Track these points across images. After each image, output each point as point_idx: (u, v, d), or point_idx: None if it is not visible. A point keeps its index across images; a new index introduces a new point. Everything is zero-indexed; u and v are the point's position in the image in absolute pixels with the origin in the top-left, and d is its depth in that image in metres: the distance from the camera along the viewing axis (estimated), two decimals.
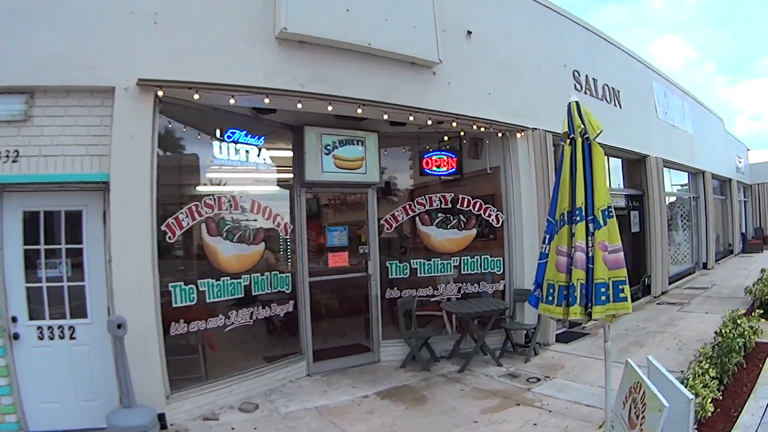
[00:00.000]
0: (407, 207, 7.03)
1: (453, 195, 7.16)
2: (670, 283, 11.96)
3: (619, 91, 10.14)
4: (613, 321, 3.85)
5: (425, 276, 6.95)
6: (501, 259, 7.26)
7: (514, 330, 6.90)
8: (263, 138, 5.94)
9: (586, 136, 3.72)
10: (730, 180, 18.39)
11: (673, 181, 14.23)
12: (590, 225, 3.59)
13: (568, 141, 3.80)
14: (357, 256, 6.81)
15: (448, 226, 7.08)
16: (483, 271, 7.20)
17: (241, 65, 4.99)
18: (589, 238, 3.58)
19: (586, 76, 9.14)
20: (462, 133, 7.34)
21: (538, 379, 5.80)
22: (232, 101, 5.06)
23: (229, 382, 5.29)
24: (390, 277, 6.82)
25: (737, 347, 5.39)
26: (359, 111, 5.77)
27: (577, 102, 3.93)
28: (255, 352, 5.92)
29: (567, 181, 3.73)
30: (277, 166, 6.32)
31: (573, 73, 8.83)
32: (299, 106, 5.41)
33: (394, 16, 5.75)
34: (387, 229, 6.88)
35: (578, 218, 3.62)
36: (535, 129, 7.58)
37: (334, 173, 6.37)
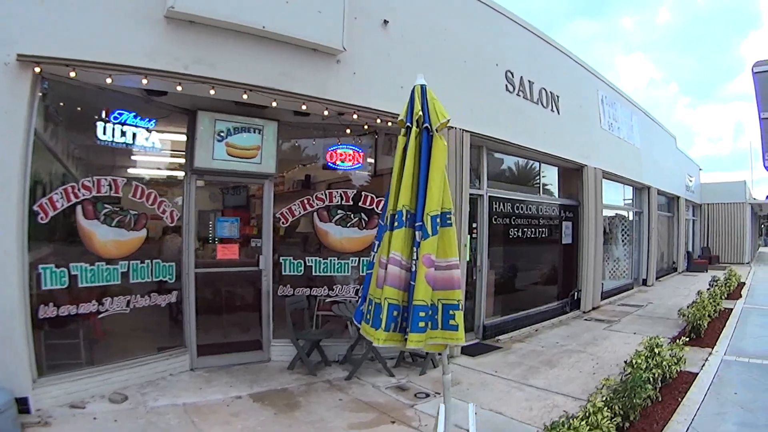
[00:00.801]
0: (305, 201, 6.50)
1: (355, 192, 6.61)
2: (604, 299, 11.55)
3: (558, 97, 9.65)
4: (445, 350, 3.16)
5: (321, 275, 6.45)
6: None
7: None
8: (154, 121, 5.55)
9: (426, 125, 3.09)
10: (678, 198, 18.20)
11: (624, 195, 14.05)
12: (417, 233, 2.89)
13: (404, 131, 3.16)
14: (249, 250, 6.35)
15: (348, 225, 6.53)
16: None
17: (123, 43, 4.63)
18: (415, 249, 2.89)
19: (521, 77, 8.58)
20: (365, 126, 6.66)
21: (427, 395, 5.27)
22: (108, 80, 4.72)
23: (104, 371, 5.02)
24: (284, 273, 6.34)
25: (650, 379, 4.83)
26: (244, 96, 5.29)
27: (422, 86, 3.30)
28: (137, 342, 5.61)
29: (396, 179, 3.08)
30: (171, 151, 5.95)
31: (506, 73, 8.28)
32: (179, 88, 5.02)
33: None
34: (282, 223, 6.38)
35: (397, 224, 2.93)
36: (452, 128, 6.93)
37: (225, 161, 5.92)
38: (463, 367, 6.41)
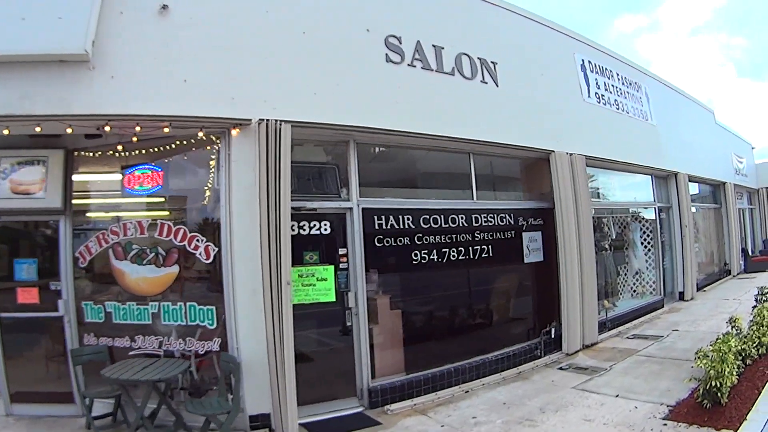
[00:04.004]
0: (101, 236, 5.17)
1: (150, 221, 5.11)
2: (613, 327, 8.33)
3: (495, 64, 6.92)
4: None
5: (122, 323, 5.10)
6: (214, 308, 4.90)
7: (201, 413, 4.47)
8: None
9: None
10: (724, 184, 13.93)
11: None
12: None
13: None
14: (49, 293, 5.29)
15: (144, 262, 5.11)
16: (190, 322, 4.96)
17: None
18: None
19: (418, 42, 5.97)
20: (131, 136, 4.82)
21: None
22: None
23: None
24: (86, 320, 5.17)
25: None
26: None
27: None
28: None
29: None
30: None
31: (386, 40, 5.73)
32: None
33: (36, 12, 4.33)
34: (81, 263, 5.21)
35: None
36: (264, 121, 4.75)
37: (8, 199, 5.09)
38: None
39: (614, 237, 9.55)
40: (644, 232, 10.32)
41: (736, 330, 6.04)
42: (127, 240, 5.07)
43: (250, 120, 4.78)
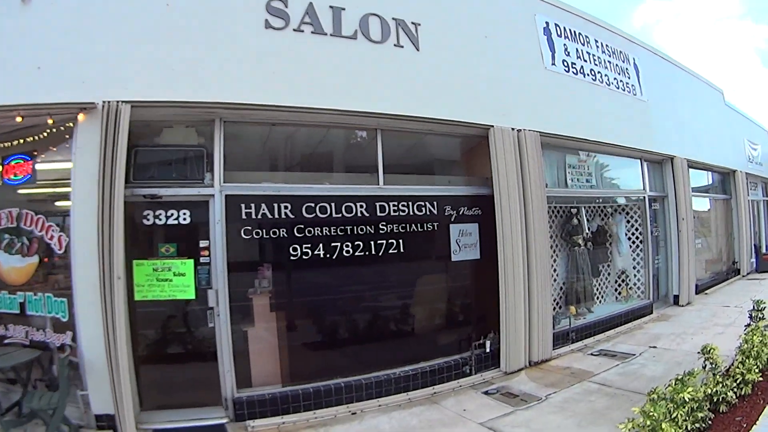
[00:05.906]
0: None
1: (18, 210, 4.99)
2: (577, 339, 7.16)
3: (417, 25, 5.87)
4: None
5: None
6: (65, 301, 4.69)
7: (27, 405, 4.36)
8: None
9: None
10: (734, 172, 12.20)
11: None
12: None
13: None
14: None
15: (14, 251, 5.07)
16: (48, 314, 4.80)
17: None
18: None
19: (310, 4, 5.14)
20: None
21: None
22: None
23: None
24: None
25: None
26: None
27: None
28: None
29: None
30: None
31: (267, 4, 4.98)
32: None
33: None
34: None
35: None
36: (109, 102, 4.38)
37: None
38: None
39: (591, 231, 8.34)
40: (632, 225, 9.05)
41: (711, 364, 4.71)
42: (1, 229, 4.99)
43: (95, 103, 4.42)
